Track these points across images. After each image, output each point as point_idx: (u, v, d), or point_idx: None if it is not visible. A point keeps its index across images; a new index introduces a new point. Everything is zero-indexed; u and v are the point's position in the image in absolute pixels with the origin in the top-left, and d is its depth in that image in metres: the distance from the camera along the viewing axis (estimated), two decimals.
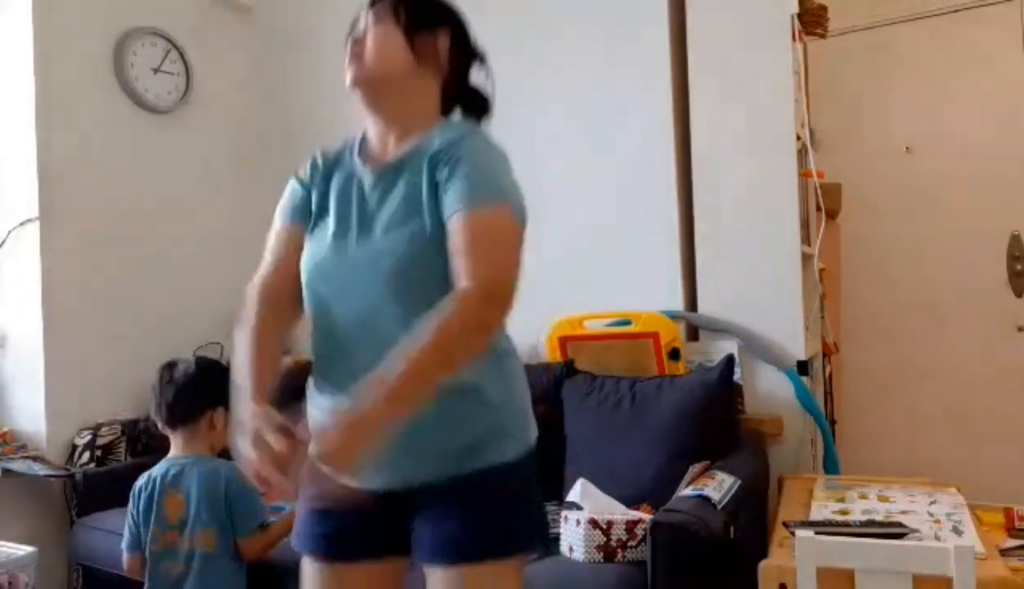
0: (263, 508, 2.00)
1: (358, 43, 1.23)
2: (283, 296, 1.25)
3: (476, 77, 1.33)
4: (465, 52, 1.30)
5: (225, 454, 2.04)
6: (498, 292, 1.07)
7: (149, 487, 2.01)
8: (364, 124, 1.30)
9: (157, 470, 2.03)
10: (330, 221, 1.24)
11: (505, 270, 1.09)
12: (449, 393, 1.09)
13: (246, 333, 1.22)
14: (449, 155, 1.15)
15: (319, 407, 1.23)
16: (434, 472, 1.16)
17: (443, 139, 1.19)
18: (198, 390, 2.02)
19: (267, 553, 1.99)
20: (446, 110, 1.29)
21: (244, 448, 1.05)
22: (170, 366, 2.07)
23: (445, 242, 1.12)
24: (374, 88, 1.23)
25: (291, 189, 1.33)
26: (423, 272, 1.13)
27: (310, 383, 1.26)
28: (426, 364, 1.02)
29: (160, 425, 2.06)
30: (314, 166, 1.31)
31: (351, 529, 1.23)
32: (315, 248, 1.24)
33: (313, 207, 1.28)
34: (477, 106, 1.32)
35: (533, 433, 1.27)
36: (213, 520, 1.94)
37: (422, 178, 1.17)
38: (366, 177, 1.23)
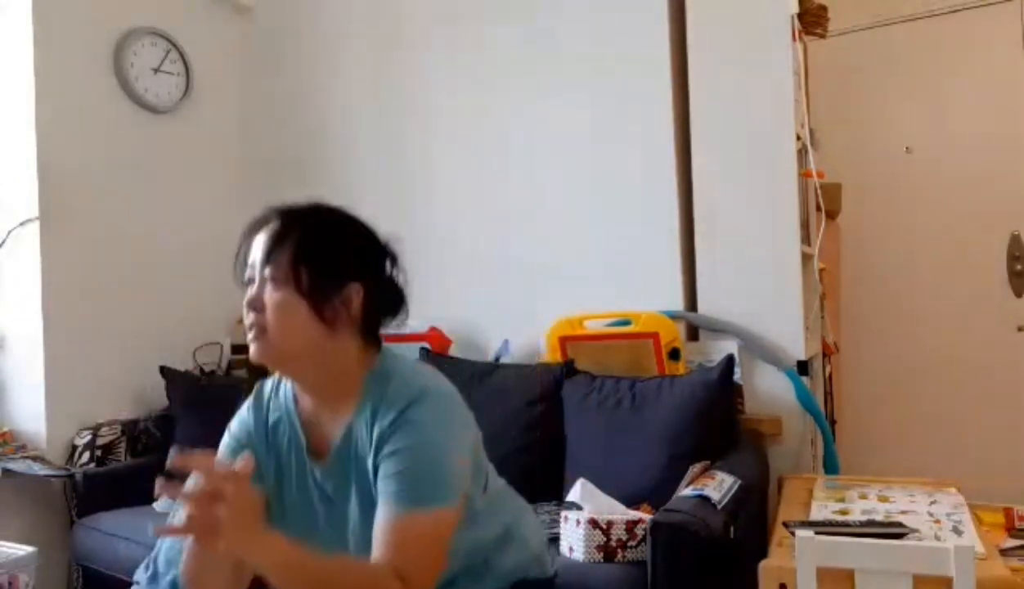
0: None
1: (256, 308, 1.10)
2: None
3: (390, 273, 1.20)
4: (379, 281, 1.18)
5: None
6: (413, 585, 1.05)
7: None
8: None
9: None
10: (294, 511, 1.20)
11: (426, 569, 1.07)
12: (463, 572, 1.18)
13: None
14: (392, 437, 1.09)
15: None
16: None
17: (383, 414, 1.11)
18: None
19: None
20: (369, 337, 1.18)
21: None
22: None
23: None
24: (285, 367, 1.16)
25: (224, 444, 1.26)
26: None
27: None
28: (331, 584, 1.03)
29: None
30: (258, 419, 1.24)
31: None
32: (280, 514, 1.20)
33: (265, 475, 1.21)
34: (396, 304, 1.21)
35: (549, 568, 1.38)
36: None
37: (367, 465, 1.12)
38: (316, 470, 1.18)
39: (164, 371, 2.86)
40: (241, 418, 1.27)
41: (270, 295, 1.10)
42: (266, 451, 1.21)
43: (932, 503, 1.83)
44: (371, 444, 1.12)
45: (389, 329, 1.22)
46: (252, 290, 1.12)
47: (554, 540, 1.87)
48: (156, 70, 3.05)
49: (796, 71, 2.43)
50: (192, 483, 1.01)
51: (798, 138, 2.44)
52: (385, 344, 1.21)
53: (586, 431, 2.28)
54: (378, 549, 1.06)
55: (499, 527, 1.29)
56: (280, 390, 1.25)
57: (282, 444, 1.21)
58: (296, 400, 1.22)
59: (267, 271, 1.10)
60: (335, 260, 1.13)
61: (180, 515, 0.98)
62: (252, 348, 1.12)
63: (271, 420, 1.23)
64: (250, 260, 1.14)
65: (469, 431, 1.19)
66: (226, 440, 1.26)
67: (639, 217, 2.59)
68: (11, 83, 2.71)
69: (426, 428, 1.10)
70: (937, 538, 1.57)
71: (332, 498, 1.18)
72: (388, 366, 1.17)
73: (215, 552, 1.02)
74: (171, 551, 1.99)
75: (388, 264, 1.19)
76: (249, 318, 1.11)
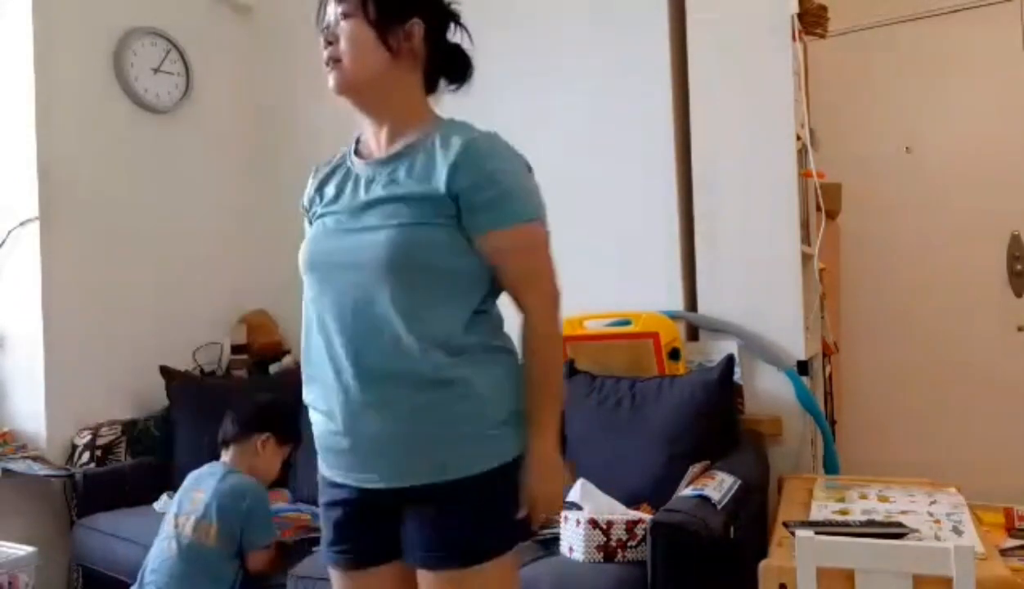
0: (275, 531, 2.09)
1: (331, 43, 1.22)
2: None
3: (453, 37, 1.32)
4: (440, 28, 1.29)
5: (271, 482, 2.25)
6: (555, 300, 1.26)
7: (187, 483, 2.15)
8: (360, 123, 1.31)
9: (200, 470, 2.17)
10: (326, 217, 1.26)
11: (552, 280, 1.26)
12: (438, 388, 1.15)
13: None
14: (472, 167, 1.17)
15: (320, 411, 1.24)
16: (423, 475, 1.17)
17: (454, 143, 1.19)
18: (253, 415, 2.20)
19: (269, 570, 2.05)
20: (431, 85, 1.30)
21: None
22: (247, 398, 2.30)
23: (441, 236, 1.17)
24: (357, 93, 1.25)
25: (305, 223, 1.36)
26: (417, 260, 1.15)
27: (306, 389, 1.27)
28: (556, 395, 1.23)
29: (220, 449, 2.22)
30: (310, 183, 1.34)
31: (359, 539, 1.25)
32: (309, 239, 1.28)
33: (312, 216, 1.32)
34: (459, 70, 1.32)
35: (523, 437, 1.23)
36: (223, 521, 2.00)
37: (420, 170, 1.19)
38: (363, 172, 1.26)
39: (164, 371, 2.86)
40: (302, 206, 1.37)
41: (342, 27, 1.21)
42: (315, 196, 1.32)
43: (932, 503, 1.83)
44: (445, 157, 1.18)
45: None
46: (329, 28, 1.23)
47: (554, 540, 1.88)
48: (156, 70, 3.05)
49: (796, 71, 2.43)
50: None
51: (798, 138, 2.44)
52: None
53: (586, 431, 2.28)
54: (504, 274, 1.22)
55: (492, 360, 1.23)
56: (336, 157, 1.35)
57: (333, 176, 1.30)
58: (356, 146, 1.31)
59: (340, 8, 1.22)
60: None
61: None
62: (330, 78, 1.23)
63: (325, 171, 1.33)
64: (327, 11, 1.25)
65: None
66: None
67: (639, 217, 2.59)
68: (11, 83, 2.71)
69: (501, 155, 1.21)
70: (937, 538, 1.57)
71: (366, 200, 1.22)
72: (452, 120, 1.28)
73: None
74: (156, 560, 2.01)
75: (452, 25, 1.30)
76: (325, 52, 1.23)
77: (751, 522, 1.95)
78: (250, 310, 3.28)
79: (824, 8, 2.61)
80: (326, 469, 1.27)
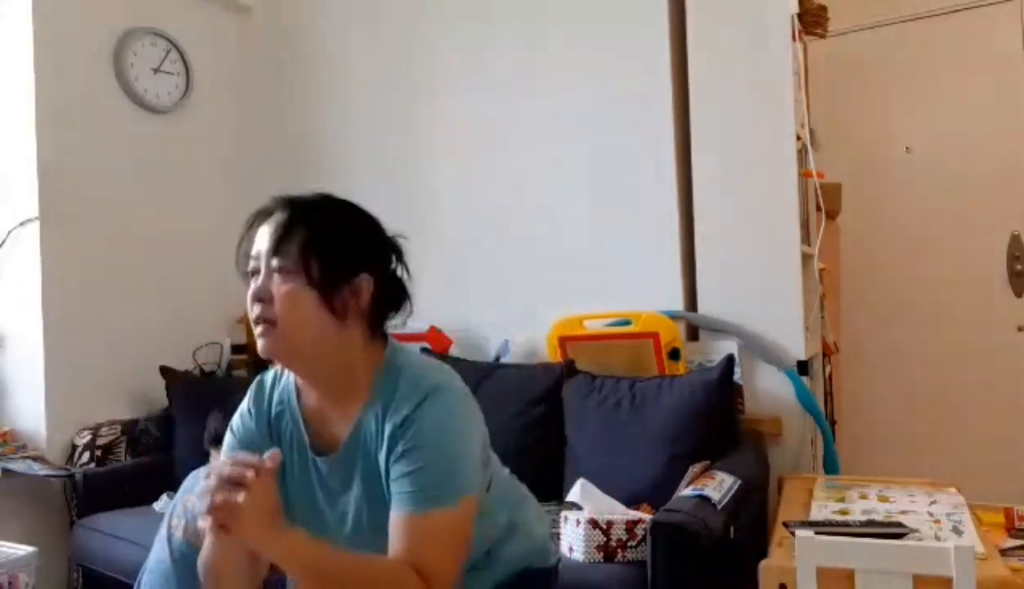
0: None
1: (263, 300, 1.07)
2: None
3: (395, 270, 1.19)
4: (387, 273, 1.16)
5: None
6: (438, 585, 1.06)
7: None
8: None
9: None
10: (294, 505, 1.18)
11: (449, 569, 1.07)
12: (467, 564, 1.15)
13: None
14: (404, 435, 1.08)
15: None
16: None
17: (395, 410, 1.09)
18: None
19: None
20: (376, 328, 1.16)
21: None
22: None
23: None
24: (295, 361, 1.13)
25: (227, 442, 1.25)
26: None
27: None
28: (352, 581, 1.04)
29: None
30: (253, 423, 1.23)
31: None
32: (288, 507, 1.17)
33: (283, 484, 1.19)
34: (399, 303, 1.19)
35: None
36: None
37: (378, 462, 1.11)
38: (320, 464, 1.16)
39: (164, 371, 2.86)
40: (242, 415, 1.25)
41: (278, 286, 1.07)
42: (268, 446, 1.17)
43: (932, 503, 1.83)
44: (382, 441, 1.10)
45: (392, 327, 1.21)
46: (259, 281, 1.09)
47: (554, 540, 1.87)
48: (156, 70, 3.05)
49: (796, 71, 2.43)
50: (216, 469, 1.01)
51: (798, 138, 2.44)
52: (391, 338, 1.20)
53: (586, 431, 2.28)
54: (397, 548, 1.06)
55: (503, 518, 1.28)
56: (281, 382, 1.24)
57: (284, 438, 1.20)
58: (299, 395, 1.20)
59: (275, 262, 1.07)
60: (345, 251, 1.10)
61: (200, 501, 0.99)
62: (260, 343, 1.09)
63: (273, 413, 1.22)
64: (253, 251, 1.11)
65: (480, 427, 1.18)
66: (228, 439, 1.25)
67: (639, 217, 2.59)
68: (11, 83, 2.71)
69: (439, 426, 1.08)
70: (937, 538, 1.57)
71: (335, 492, 1.16)
72: (397, 361, 1.15)
73: (230, 541, 1.02)
74: (151, 563, 2.01)
75: (393, 258, 1.18)
76: (256, 310, 1.08)
77: (751, 522, 1.95)
78: None
79: (824, 8, 2.61)
80: None
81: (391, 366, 1.15)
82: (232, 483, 0.97)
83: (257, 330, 1.09)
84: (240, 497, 0.96)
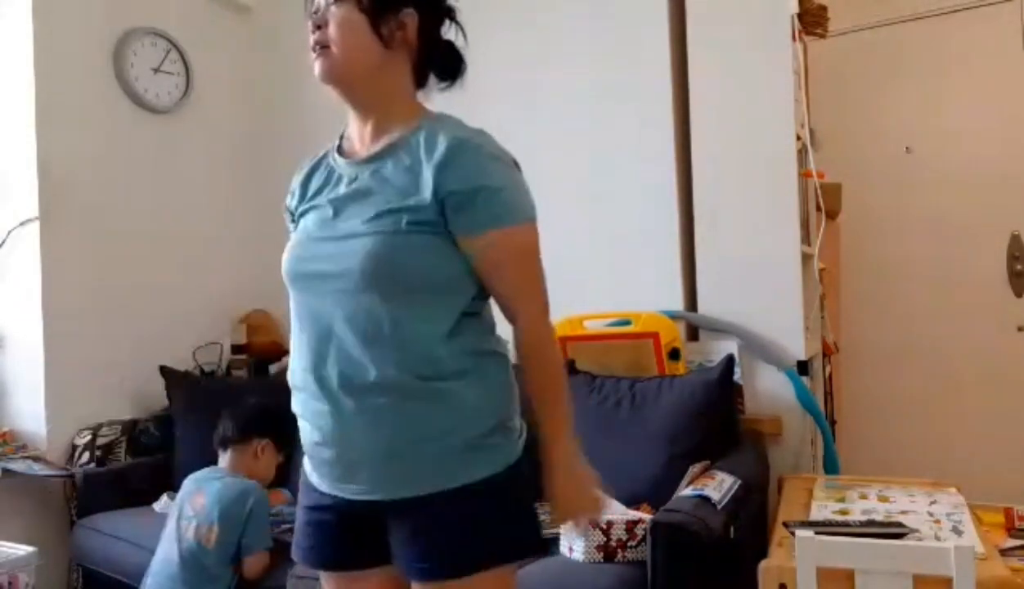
0: (270, 538, 2.09)
1: (320, 29, 1.17)
2: None
3: (447, 35, 1.27)
4: (434, 19, 1.24)
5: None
6: (544, 306, 1.20)
7: (186, 486, 2.15)
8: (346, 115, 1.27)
9: (199, 474, 2.17)
10: (308, 217, 1.23)
11: (541, 284, 1.20)
12: (423, 401, 1.11)
13: None
14: (460, 168, 1.11)
15: (306, 420, 1.20)
16: (409, 487, 1.13)
17: (440, 143, 1.13)
18: (251, 418, 2.21)
19: (264, 574, 2.06)
20: (421, 80, 1.25)
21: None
22: (243, 400, 2.29)
23: (424, 241, 1.12)
24: (345, 82, 1.19)
25: (288, 225, 1.34)
26: (399, 270, 1.11)
27: (294, 399, 1.23)
28: (563, 401, 1.20)
29: (217, 450, 2.23)
30: (296, 184, 1.31)
31: (344, 545, 1.23)
32: (291, 245, 1.23)
33: (296, 216, 1.29)
34: (451, 68, 1.27)
35: (517, 446, 1.21)
36: (224, 523, 2.01)
37: (404, 172, 1.15)
38: (345, 171, 1.22)
39: (164, 371, 2.86)
40: (287, 208, 1.34)
41: (333, 12, 1.16)
42: (299, 196, 1.28)
43: (932, 503, 1.83)
44: (430, 157, 1.13)
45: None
46: (319, 12, 1.17)
47: (554, 540, 1.88)
48: (156, 70, 3.05)
49: (796, 71, 2.43)
50: None
51: (798, 138, 2.44)
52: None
53: (586, 431, 2.27)
54: (491, 277, 1.16)
55: (481, 367, 1.19)
56: (320, 153, 1.31)
57: (314, 174, 1.28)
58: (340, 144, 1.28)
59: None
60: None
61: None
62: (316, 65, 1.17)
63: (308, 169, 1.30)
64: None
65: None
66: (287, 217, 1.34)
67: (639, 217, 2.59)
68: (11, 83, 2.71)
69: (490, 154, 1.15)
70: (937, 538, 1.57)
71: (348, 199, 1.18)
72: (442, 115, 1.23)
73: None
74: (157, 564, 2.02)
75: (447, 22, 1.26)
76: (313, 37, 1.17)
77: (751, 522, 1.95)
78: (250, 310, 3.28)
79: (824, 8, 2.61)
80: (313, 477, 1.24)
81: (435, 114, 1.23)
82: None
83: (313, 57, 1.18)
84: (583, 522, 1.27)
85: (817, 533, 1.45)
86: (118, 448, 2.73)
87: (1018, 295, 3.17)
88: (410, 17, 1.20)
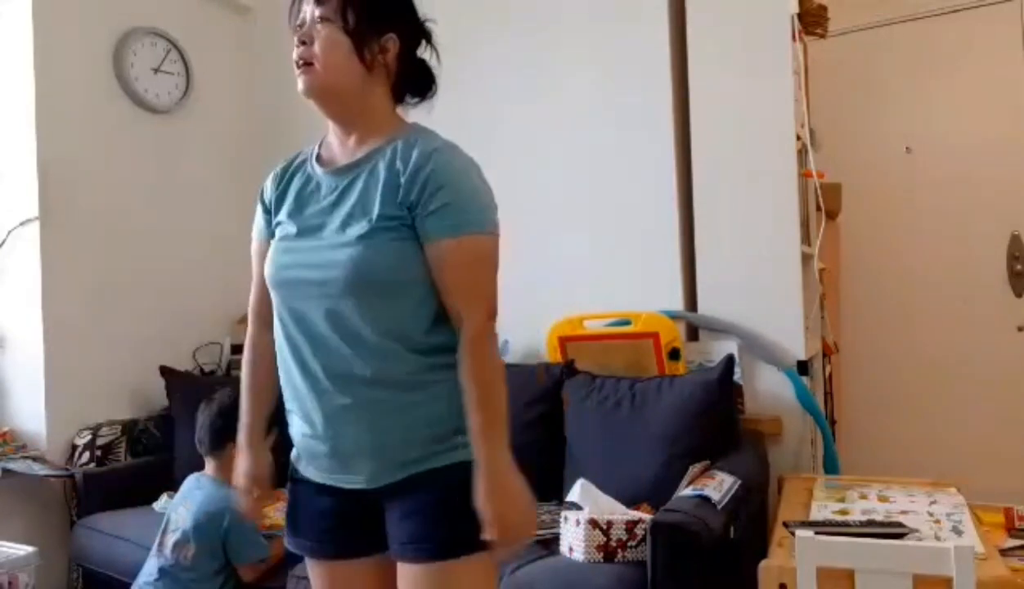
0: (263, 544, 2.06)
1: (305, 44, 1.21)
2: (269, 310, 1.29)
3: (423, 53, 1.32)
4: (413, 44, 1.29)
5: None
6: (493, 316, 1.20)
7: (180, 492, 2.16)
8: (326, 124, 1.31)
9: (188, 481, 2.16)
10: (287, 225, 1.27)
11: (493, 293, 1.21)
12: (411, 388, 1.17)
13: (244, 369, 1.36)
14: (426, 177, 1.16)
15: (297, 416, 1.26)
16: (402, 470, 1.18)
17: (413, 154, 1.18)
18: (225, 423, 2.11)
19: (265, 578, 2.06)
20: (397, 96, 1.29)
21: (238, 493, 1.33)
22: (209, 400, 2.20)
23: (401, 247, 1.16)
24: (326, 99, 1.24)
25: (257, 212, 1.37)
26: (378, 275, 1.16)
27: (286, 395, 1.28)
28: (495, 407, 1.17)
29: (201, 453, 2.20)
30: (272, 182, 1.35)
31: (337, 534, 1.27)
32: (274, 252, 1.27)
33: (273, 218, 1.32)
34: (424, 87, 1.32)
35: None
36: (202, 539, 2.00)
37: (379, 182, 1.19)
38: (324, 180, 1.26)
39: (164, 371, 2.86)
40: (260, 198, 1.38)
41: (318, 30, 1.20)
42: (276, 197, 1.33)
43: (932, 503, 1.83)
44: (404, 167, 1.18)
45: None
46: (304, 27, 1.22)
47: (554, 540, 1.88)
48: (156, 70, 3.05)
49: (796, 71, 2.43)
50: None
51: (798, 138, 2.44)
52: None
53: (586, 431, 2.28)
54: (445, 282, 1.17)
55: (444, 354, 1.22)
56: (298, 157, 1.36)
57: (293, 179, 1.31)
58: (319, 151, 1.32)
59: (318, 11, 1.21)
60: (378, 8, 1.23)
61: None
62: (300, 81, 1.22)
63: (289, 171, 1.34)
64: (302, 8, 1.24)
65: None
66: (258, 212, 1.38)
67: (639, 217, 2.59)
68: (11, 83, 2.71)
69: (458, 168, 1.20)
70: (937, 538, 1.57)
71: (326, 209, 1.22)
72: (417, 127, 1.28)
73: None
74: (143, 576, 2.02)
75: (423, 43, 1.31)
76: (298, 52, 1.21)
77: (751, 522, 1.95)
78: None
79: (824, 8, 2.61)
80: (304, 469, 1.28)
81: (411, 126, 1.28)
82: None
83: (298, 71, 1.22)
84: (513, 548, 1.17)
85: (817, 533, 1.45)
86: (118, 448, 2.73)
87: (1018, 295, 3.17)
88: (392, 42, 1.24)
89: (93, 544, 2.42)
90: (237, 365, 3.17)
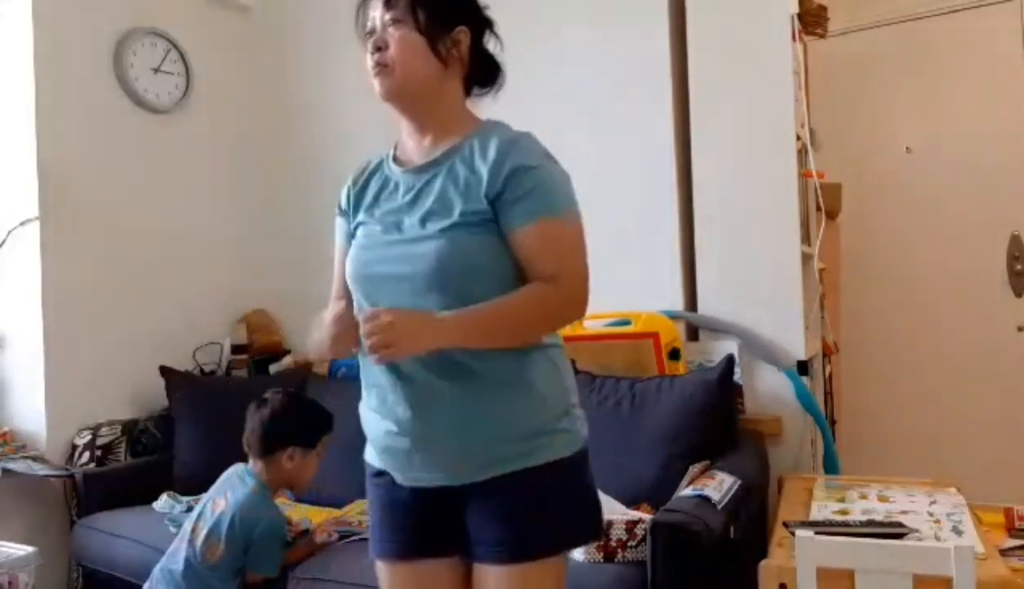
0: (278, 564, 2.04)
1: (380, 50, 1.23)
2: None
3: (488, 44, 1.35)
4: (481, 33, 1.32)
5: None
6: (580, 299, 1.22)
7: (220, 481, 2.12)
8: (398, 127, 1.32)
9: (230, 471, 2.12)
10: (369, 224, 1.28)
11: (584, 278, 1.22)
12: (500, 387, 1.17)
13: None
14: (508, 168, 1.19)
15: (378, 414, 1.26)
16: (487, 469, 1.19)
17: (491, 147, 1.21)
18: (274, 428, 2.09)
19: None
20: (467, 89, 1.33)
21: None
22: (260, 401, 2.15)
23: (484, 241, 1.18)
24: (406, 100, 1.26)
25: (337, 223, 1.39)
26: (463, 268, 1.17)
27: (363, 386, 1.28)
28: (503, 319, 1.16)
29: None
30: (348, 190, 1.36)
31: (416, 534, 1.27)
32: (355, 249, 1.28)
33: (353, 219, 1.33)
34: (493, 77, 1.36)
35: (584, 428, 1.28)
36: (230, 544, 1.98)
37: (459, 179, 1.21)
38: (402, 180, 1.27)
39: (164, 371, 2.86)
40: (339, 209, 1.40)
41: (392, 33, 1.22)
42: (354, 200, 1.33)
43: (932, 503, 1.83)
44: (483, 160, 1.20)
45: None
46: (376, 33, 1.24)
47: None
48: (156, 70, 3.04)
49: (796, 71, 2.43)
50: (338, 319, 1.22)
51: (798, 138, 2.44)
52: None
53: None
54: (533, 263, 1.19)
55: (550, 358, 1.25)
56: (372, 162, 1.38)
57: (370, 181, 1.33)
58: (395, 153, 1.33)
59: (388, 15, 1.23)
60: (446, 3, 1.26)
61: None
62: (378, 85, 1.24)
63: (365, 174, 1.36)
64: (370, 16, 1.26)
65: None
66: (337, 222, 1.39)
67: (639, 217, 2.59)
68: (11, 83, 2.71)
69: (540, 154, 1.24)
70: (937, 538, 1.57)
71: (407, 207, 1.24)
72: (490, 122, 1.31)
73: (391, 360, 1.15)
74: (167, 559, 2.01)
75: (487, 32, 1.34)
76: (374, 58, 1.23)
77: (751, 522, 1.95)
78: (250, 310, 3.28)
79: (824, 8, 2.61)
80: (383, 466, 1.28)
81: (484, 121, 1.31)
82: (372, 320, 1.09)
83: (374, 77, 1.24)
84: (387, 317, 1.08)
85: (817, 533, 1.45)
86: (118, 448, 2.73)
87: (1018, 295, 3.17)
88: (463, 34, 1.28)
89: (93, 544, 2.42)
90: (237, 365, 3.18)
